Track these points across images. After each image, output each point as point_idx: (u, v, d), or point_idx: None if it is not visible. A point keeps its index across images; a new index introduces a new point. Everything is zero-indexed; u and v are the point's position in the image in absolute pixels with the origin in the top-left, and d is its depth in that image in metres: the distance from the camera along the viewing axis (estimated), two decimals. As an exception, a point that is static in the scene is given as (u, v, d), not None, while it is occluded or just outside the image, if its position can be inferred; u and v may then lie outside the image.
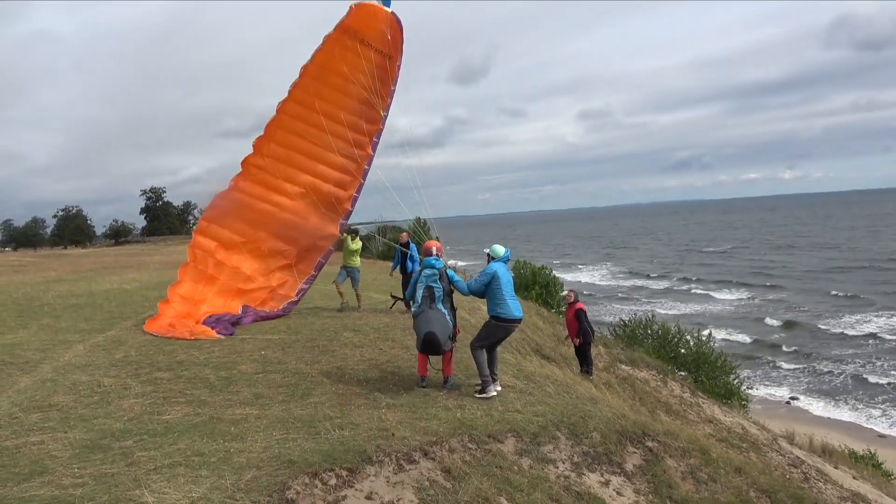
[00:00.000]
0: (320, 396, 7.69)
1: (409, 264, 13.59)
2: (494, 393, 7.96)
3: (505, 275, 8.14)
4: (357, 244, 14.49)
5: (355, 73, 12.22)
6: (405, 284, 13.53)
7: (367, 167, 12.99)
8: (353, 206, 13.22)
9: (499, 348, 8.51)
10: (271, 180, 12.96)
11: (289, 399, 7.60)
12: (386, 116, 12.75)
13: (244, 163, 12.98)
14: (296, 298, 13.51)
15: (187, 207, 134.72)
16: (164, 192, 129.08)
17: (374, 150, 12.85)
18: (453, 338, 8.16)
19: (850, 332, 38.35)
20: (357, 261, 14.56)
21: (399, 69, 12.60)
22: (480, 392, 7.95)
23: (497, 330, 8.15)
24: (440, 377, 8.42)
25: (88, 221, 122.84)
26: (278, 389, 8.01)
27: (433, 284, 7.99)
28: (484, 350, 8.09)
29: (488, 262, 8.35)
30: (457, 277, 8.31)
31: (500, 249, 8.40)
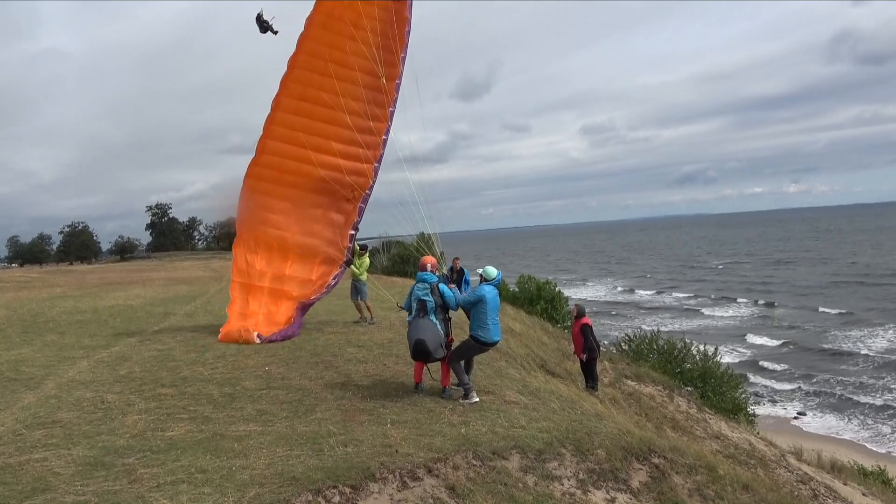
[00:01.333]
0: (324, 413, 7.66)
1: (464, 287, 14.35)
2: (478, 399, 8.37)
3: (493, 299, 8.54)
4: (366, 259, 14.84)
5: (364, 19, 11.91)
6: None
7: (392, 109, 12.54)
8: (384, 147, 12.80)
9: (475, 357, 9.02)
10: (294, 135, 12.69)
11: (292, 415, 7.57)
12: (404, 58, 12.34)
13: (266, 123, 12.69)
14: (340, 270, 13.46)
15: (192, 223, 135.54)
16: (170, 208, 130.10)
17: (397, 91, 12.46)
18: (447, 346, 8.53)
19: (857, 348, 38.05)
20: (365, 275, 14.80)
21: (410, 10, 12.28)
22: (465, 398, 8.36)
23: (473, 349, 8.69)
24: (438, 385, 8.76)
25: (94, 237, 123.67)
26: (282, 406, 7.99)
27: (425, 297, 8.41)
28: (462, 362, 8.61)
29: (480, 282, 8.73)
30: (448, 292, 8.60)
31: (492, 271, 8.76)
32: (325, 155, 12.71)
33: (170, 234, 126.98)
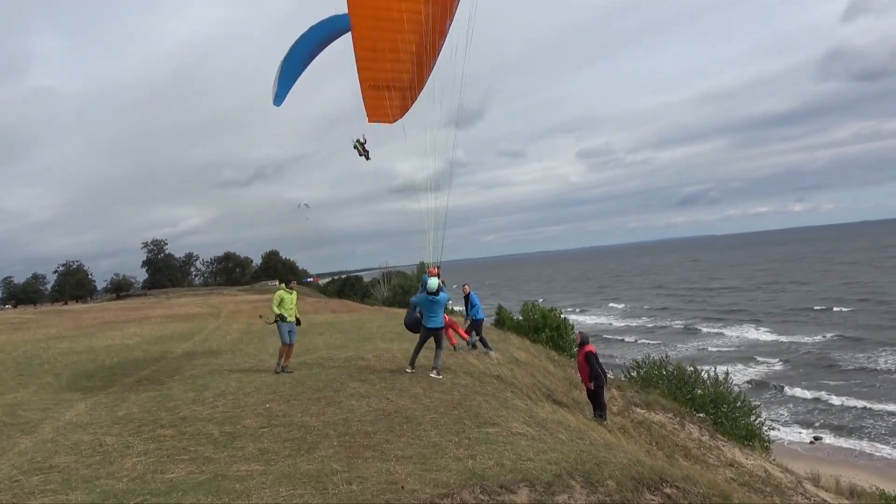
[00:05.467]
0: (327, 450, 7.49)
1: (471, 309, 15.97)
2: (410, 370, 12.21)
3: (425, 301, 12.08)
4: (294, 296, 13.37)
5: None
6: (470, 328, 16.27)
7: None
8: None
9: (441, 348, 12.43)
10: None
11: (295, 453, 7.40)
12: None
13: None
14: None
15: (189, 259, 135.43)
16: (166, 244, 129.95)
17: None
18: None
19: (866, 370, 37.79)
20: (294, 314, 13.30)
21: None
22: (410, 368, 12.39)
23: (421, 330, 12.36)
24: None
25: (89, 276, 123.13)
26: (284, 444, 7.82)
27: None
28: (420, 341, 12.54)
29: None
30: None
31: (431, 284, 11.93)
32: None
33: (166, 271, 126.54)
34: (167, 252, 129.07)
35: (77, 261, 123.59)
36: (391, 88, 12.40)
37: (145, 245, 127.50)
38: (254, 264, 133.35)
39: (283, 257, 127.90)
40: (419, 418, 8.84)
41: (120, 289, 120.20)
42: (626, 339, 56.63)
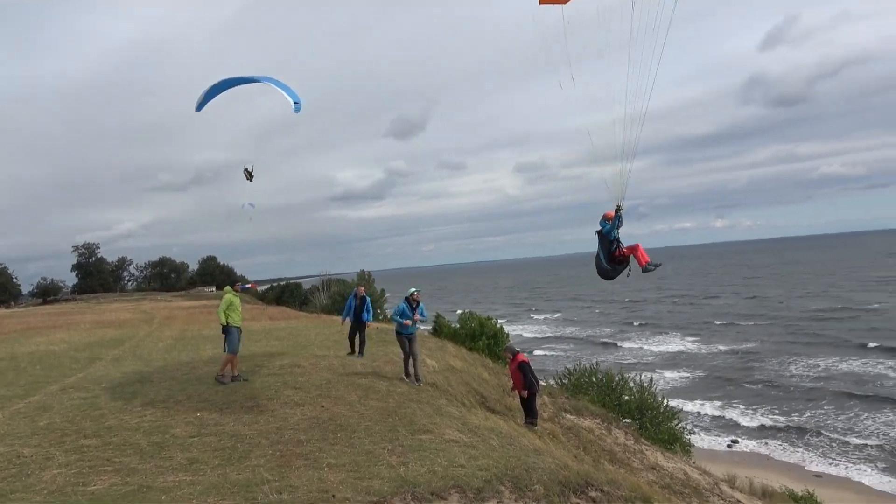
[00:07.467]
0: (258, 459, 7.43)
1: (365, 314, 15.59)
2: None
3: (400, 307, 13.19)
4: (235, 299, 12.80)
5: None
6: (354, 332, 15.90)
7: None
8: None
9: (414, 355, 13.12)
10: None
11: (225, 463, 7.31)
12: None
13: None
14: None
15: (122, 263, 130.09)
16: (98, 247, 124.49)
17: None
18: (618, 262, 10.61)
19: (779, 378, 40.01)
20: (239, 317, 12.76)
21: None
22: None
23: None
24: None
25: (14, 280, 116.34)
26: (214, 453, 7.70)
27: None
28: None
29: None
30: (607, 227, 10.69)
31: (410, 290, 13.39)
32: None
33: (97, 275, 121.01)
34: (99, 256, 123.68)
35: (0, 264, 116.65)
36: None
37: (76, 249, 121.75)
38: (190, 270, 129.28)
39: (221, 263, 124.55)
40: (353, 426, 8.88)
41: (47, 293, 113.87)
42: (537, 352, 56.58)
